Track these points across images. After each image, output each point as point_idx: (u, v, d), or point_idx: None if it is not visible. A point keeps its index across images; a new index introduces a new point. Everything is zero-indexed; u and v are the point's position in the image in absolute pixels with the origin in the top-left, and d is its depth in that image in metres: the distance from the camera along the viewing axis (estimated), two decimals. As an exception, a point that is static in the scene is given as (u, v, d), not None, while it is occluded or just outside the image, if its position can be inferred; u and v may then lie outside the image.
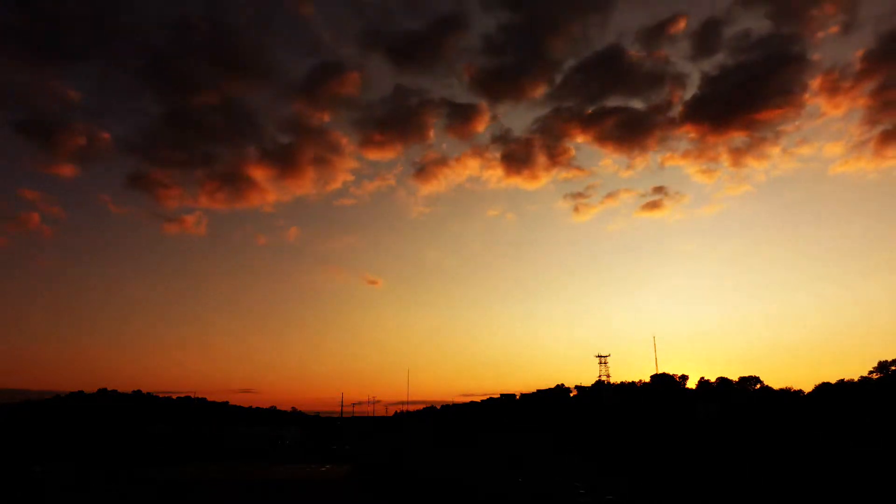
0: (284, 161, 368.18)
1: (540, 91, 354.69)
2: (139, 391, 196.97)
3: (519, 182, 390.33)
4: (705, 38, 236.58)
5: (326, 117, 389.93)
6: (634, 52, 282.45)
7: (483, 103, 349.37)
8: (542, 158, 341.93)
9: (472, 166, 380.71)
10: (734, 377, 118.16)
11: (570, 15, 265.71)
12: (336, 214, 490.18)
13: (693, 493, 50.44)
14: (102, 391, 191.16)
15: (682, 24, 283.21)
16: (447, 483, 62.64)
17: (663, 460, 71.81)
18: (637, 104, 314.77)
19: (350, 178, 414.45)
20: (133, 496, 55.98)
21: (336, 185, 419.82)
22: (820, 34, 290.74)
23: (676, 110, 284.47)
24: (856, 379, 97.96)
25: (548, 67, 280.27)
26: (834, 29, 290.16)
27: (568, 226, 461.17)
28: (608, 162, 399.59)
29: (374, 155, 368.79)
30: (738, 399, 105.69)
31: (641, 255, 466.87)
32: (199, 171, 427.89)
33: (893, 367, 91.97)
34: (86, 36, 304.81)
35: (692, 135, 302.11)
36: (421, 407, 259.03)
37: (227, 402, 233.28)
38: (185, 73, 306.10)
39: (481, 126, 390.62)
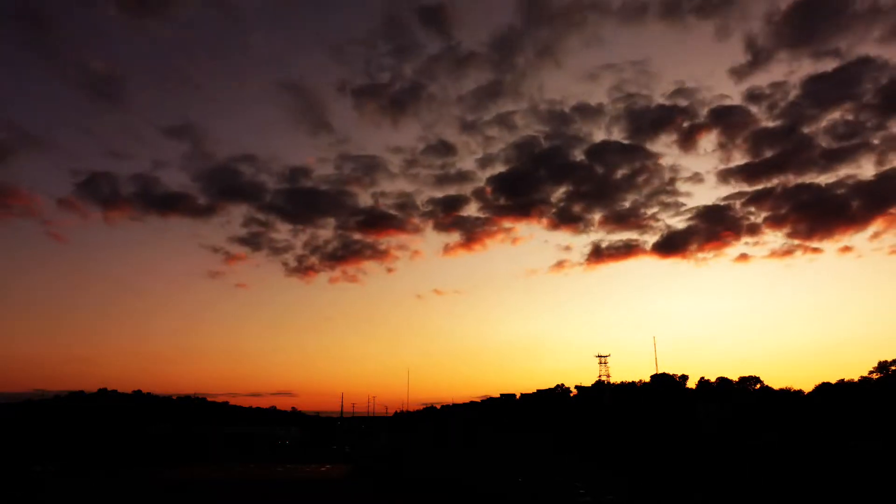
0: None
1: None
2: (139, 391, 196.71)
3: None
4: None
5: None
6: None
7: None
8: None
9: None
10: (734, 377, 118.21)
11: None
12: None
13: (693, 492, 50.47)
14: (102, 391, 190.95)
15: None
16: (447, 483, 62.67)
17: (663, 460, 71.91)
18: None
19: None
20: (133, 496, 55.94)
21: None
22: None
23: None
24: (856, 379, 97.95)
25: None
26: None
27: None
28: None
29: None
30: (738, 399, 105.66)
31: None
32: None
33: (893, 367, 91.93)
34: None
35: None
36: (421, 407, 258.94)
37: (227, 403, 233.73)
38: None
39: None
